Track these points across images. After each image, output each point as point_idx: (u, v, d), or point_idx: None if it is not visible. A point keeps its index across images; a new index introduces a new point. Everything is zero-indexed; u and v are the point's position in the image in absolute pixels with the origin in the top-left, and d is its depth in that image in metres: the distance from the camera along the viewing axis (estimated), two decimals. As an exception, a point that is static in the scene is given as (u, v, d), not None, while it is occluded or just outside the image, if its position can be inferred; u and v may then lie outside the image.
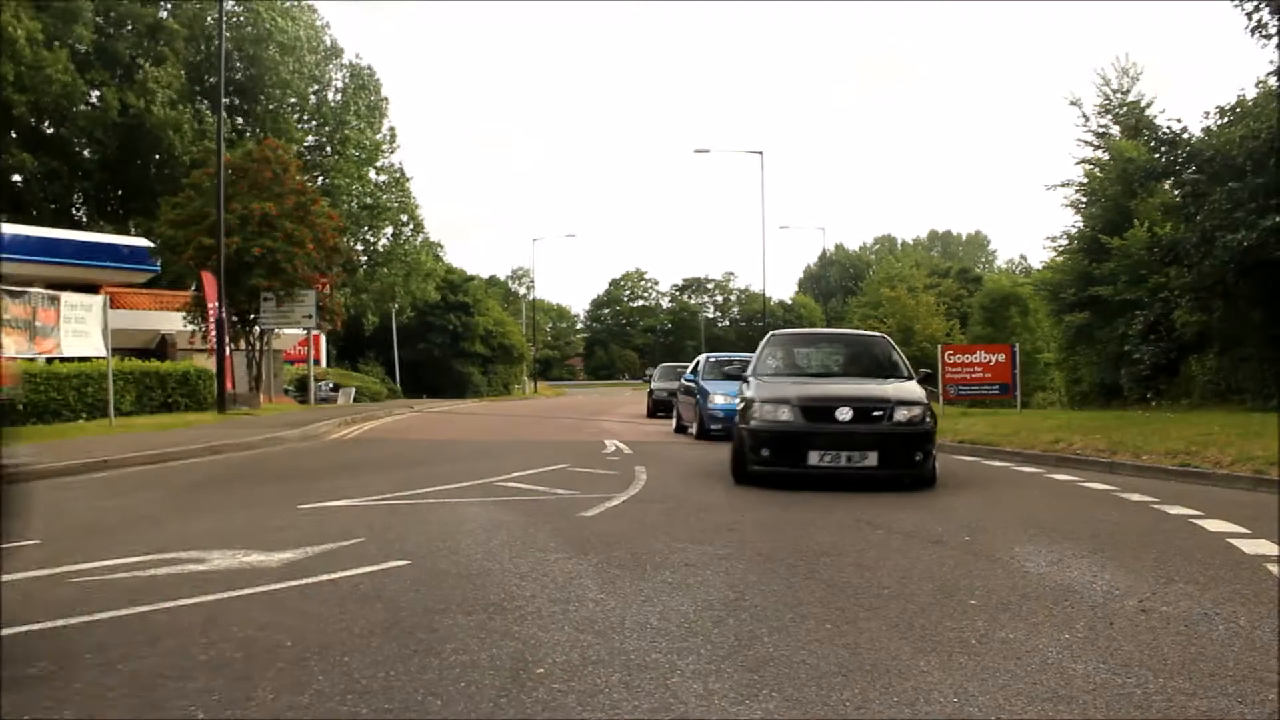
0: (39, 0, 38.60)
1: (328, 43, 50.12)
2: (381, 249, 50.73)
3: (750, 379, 11.25)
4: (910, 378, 11.11)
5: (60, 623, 4.51)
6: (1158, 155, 24.77)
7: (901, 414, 9.82)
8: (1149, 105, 28.16)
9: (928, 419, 9.95)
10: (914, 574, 5.68)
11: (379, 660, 3.90)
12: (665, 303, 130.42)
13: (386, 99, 51.26)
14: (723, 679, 3.67)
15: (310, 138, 48.54)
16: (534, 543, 6.56)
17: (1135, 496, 9.17)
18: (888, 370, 11.44)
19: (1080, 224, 28.30)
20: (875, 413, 9.84)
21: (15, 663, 3.91)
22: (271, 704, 3.41)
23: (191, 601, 4.90)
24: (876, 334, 13.90)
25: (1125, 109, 28.32)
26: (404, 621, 4.48)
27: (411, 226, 51.99)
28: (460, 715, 3.31)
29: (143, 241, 35.02)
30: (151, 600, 4.91)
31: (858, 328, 70.90)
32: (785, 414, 9.90)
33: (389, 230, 51.20)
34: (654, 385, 29.08)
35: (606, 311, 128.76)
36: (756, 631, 4.33)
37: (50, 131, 42.16)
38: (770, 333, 13.22)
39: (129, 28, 43.84)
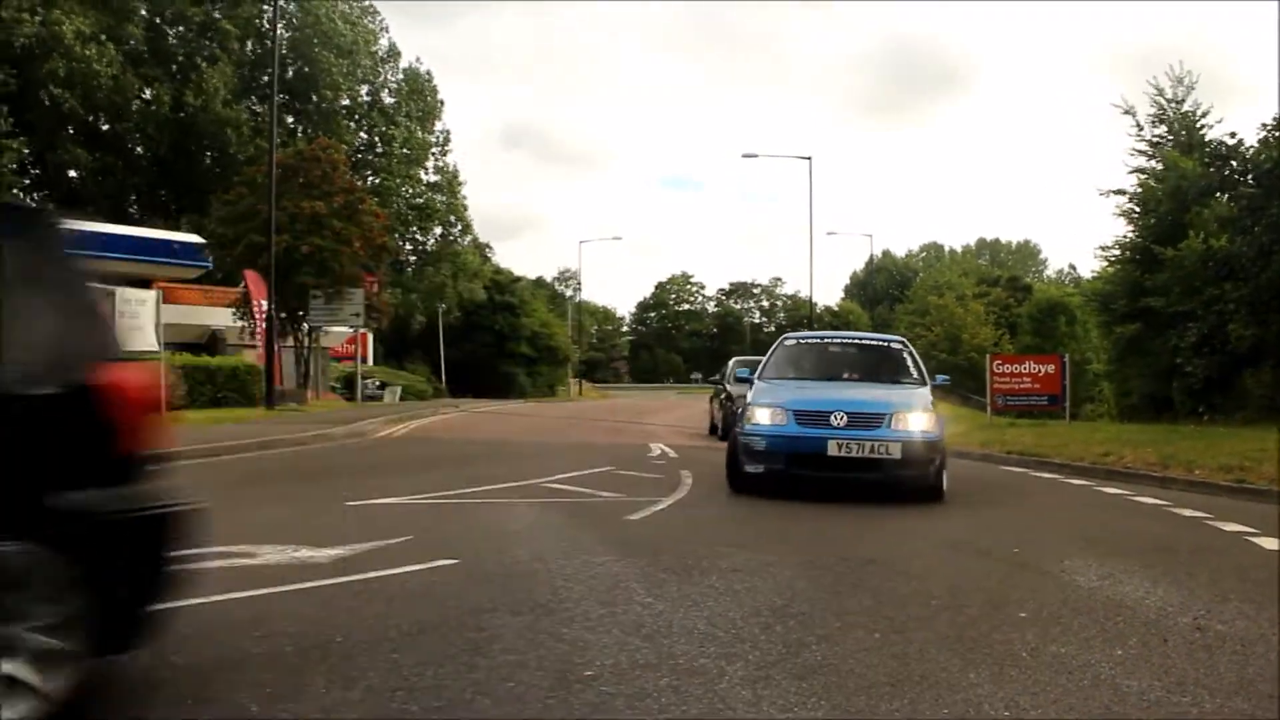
0: None
1: (385, 45, 50.61)
2: (430, 249, 51.10)
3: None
4: None
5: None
6: (1212, 170, 24.40)
7: None
8: (1204, 115, 27.68)
9: None
10: (963, 585, 5.64)
11: (428, 658, 3.91)
12: (711, 307, 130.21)
13: (442, 102, 51.68)
14: (771, 686, 3.66)
15: (361, 135, 48.95)
16: (580, 545, 6.57)
17: (1187, 512, 9.03)
18: None
19: (1132, 234, 27.89)
20: None
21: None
22: (323, 698, 3.44)
23: (243, 595, 4.95)
24: None
25: (1179, 120, 27.87)
26: (452, 620, 4.50)
27: (460, 227, 52.36)
28: (509, 715, 3.32)
29: (194, 238, 35.42)
30: (204, 593, 4.92)
31: (901, 334, 70.40)
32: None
33: (437, 230, 51.58)
34: (731, 388, 17.72)
35: (652, 315, 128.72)
36: (805, 639, 4.31)
37: (105, 128, 42.80)
38: None
39: (180, 27, 44.44)
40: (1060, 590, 5.54)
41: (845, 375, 10.95)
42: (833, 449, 9.07)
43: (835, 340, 13.09)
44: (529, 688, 3.58)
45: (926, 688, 3.71)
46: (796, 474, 9.29)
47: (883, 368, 11.10)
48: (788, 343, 12.13)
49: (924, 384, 10.71)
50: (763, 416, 9.45)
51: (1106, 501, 10.22)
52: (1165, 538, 7.74)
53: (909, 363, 11.19)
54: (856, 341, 13.05)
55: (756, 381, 10.69)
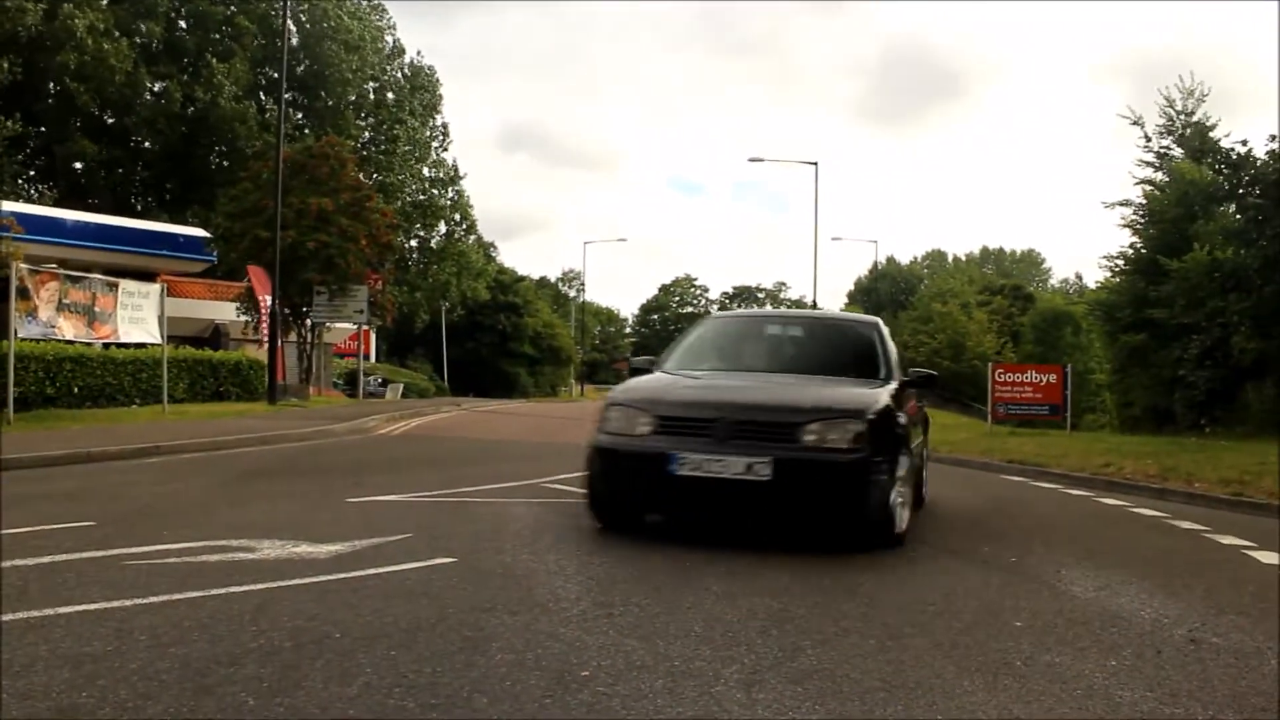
0: None
1: (390, 42, 50.69)
2: (434, 246, 51.13)
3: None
4: None
5: (115, 604, 4.59)
6: (1220, 178, 24.41)
7: None
8: (1214, 127, 27.66)
9: None
10: (958, 593, 5.65)
11: (426, 655, 3.94)
12: (714, 310, 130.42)
13: (441, 96, 51.72)
14: (766, 689, 3.67)
15: (367, 134, 49.05)
16: (580, 546, 6.59)
17: (1186, 524, 9.04)
18: None
19: (1137, 245, 27.89)
20: None
21: (72, 639, 4.00)
22: (320, 694, 3.46)
23: (241, 589, 4.96)
24: None
25: (1189, 130, 27.84)
26: (450, 618, 4.52)
27: (465, 225, 52.39)
28: (506, 714, 3.33)
29: (200, 231, 35.52)
30: (202, 586, 4.99)
31: (906, 342, 70.45)
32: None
33: (442, 228, 51.61)
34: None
35: (655, 317, 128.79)
36: (800, 644, 4.32)
37: (111, 121, 42.88)
38: None
39: (195, 23, 44.55)
40: (1056, 600, 5.55)
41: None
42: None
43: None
44: (526, 687, 3.59)
45: (920, 694, 3.72)
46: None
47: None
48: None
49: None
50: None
51: (1105, 513, 10.22)
52: (1163, 550, 7.76)
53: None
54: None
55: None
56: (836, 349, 8.53)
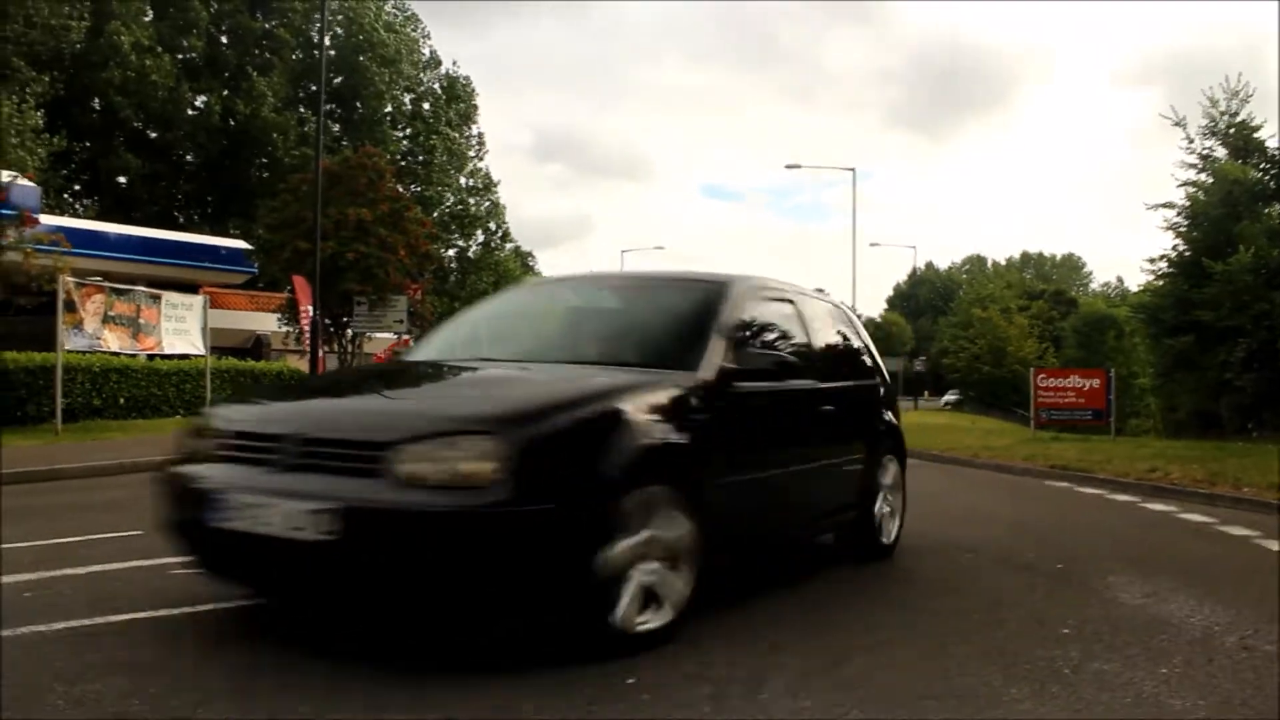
0: (158, 9, 40.08)
1: (426, 54, 51.01)
2: (472, 256, 51.34)
3: None
4: None
5: (164, 612, 4.64)
6: (1266, 177, 24.11)
7: None
8: (1259, 127, 27.27)
9: None
10: (1004, 600, 5.60)
11: (474, 662, 3.99)
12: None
13: (476, 106, 51.95)
14: (813, 696, 3.66)
15: (405, 144, 49.36)
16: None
17: (1236, 530, 8.91)
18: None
19: (1181, 247, 27.55)
20: None
21: (126, 648, 4.05)
22: (371, 700, 3.48)
23: (288, 598, 4.99)
24: None
25: (1233, 130, 27.46)
26: (496, 626, 4.52)
27: (501, 234, 52.59)
28: (553, 718, 3.35)
29: (241, 243, 35.82)
30: (248, 595, 5.02)
31: (947, 348, 69.90)
32: None
33: (480, 237, 51.82)
34: None
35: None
36: (846, 651, 4.30)
37: (154, 135, 43.47)
38: None
39: (235, 37, 45.10)
40: (1104, 607, 5.48)
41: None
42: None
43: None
44: (571, 693, 3.60)
45: (966, 701, 3.70)
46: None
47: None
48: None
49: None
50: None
51: (1151, 518, 10.09)
52: (1211, 556, 7.65)
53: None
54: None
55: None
56: (649, 325, 5.70)
